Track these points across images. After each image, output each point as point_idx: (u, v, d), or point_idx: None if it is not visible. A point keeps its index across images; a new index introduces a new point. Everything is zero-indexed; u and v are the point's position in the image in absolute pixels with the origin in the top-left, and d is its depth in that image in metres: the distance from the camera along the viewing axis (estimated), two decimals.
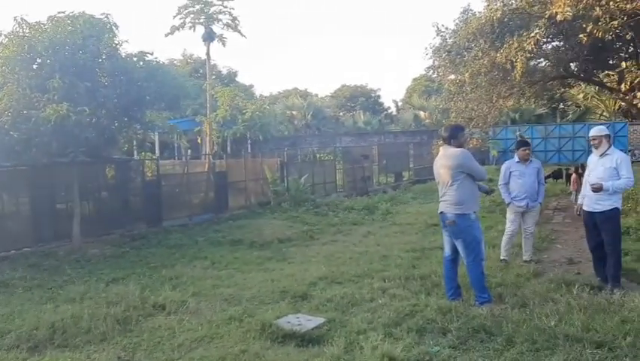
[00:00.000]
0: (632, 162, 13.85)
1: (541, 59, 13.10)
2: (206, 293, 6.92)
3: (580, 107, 32.29)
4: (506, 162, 8.08)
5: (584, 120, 29.66)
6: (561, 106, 34.80)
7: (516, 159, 7.86)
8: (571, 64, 13.81)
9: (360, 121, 40.84)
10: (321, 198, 16.09)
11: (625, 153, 20.36)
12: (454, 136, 6.08)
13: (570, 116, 33.15)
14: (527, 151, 7.89)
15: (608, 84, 14.58)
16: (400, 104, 51.50)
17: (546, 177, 19.03)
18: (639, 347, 4.47)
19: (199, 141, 23.40)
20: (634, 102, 10.26)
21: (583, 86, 24.09)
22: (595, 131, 6.60)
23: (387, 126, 41.33)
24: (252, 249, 10.23)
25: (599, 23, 8.92)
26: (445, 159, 6.08)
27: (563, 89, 22.72)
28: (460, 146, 6.13)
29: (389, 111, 50.71)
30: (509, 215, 7.94)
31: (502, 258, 7.84)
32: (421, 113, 38.43)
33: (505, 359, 4.35)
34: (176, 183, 14.22)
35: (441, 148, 6.30)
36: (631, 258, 7.51)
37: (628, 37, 10.00)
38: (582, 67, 13.78)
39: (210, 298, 6.64)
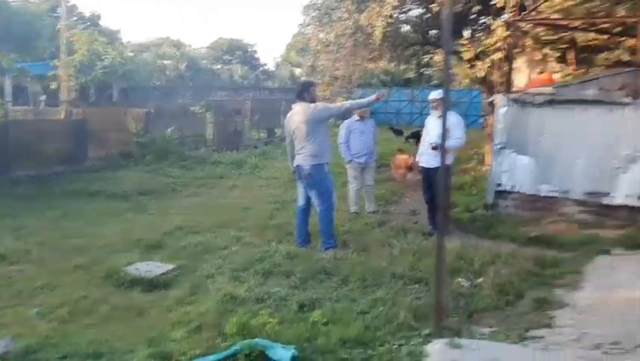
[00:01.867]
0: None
1: (403, 25, 13.78)
2: (54, 243, 6.67)
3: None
4: (345, 121, 8.32)
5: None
6: (428, 71, 36.84)
7: (355, 117, 8.23)
8: (430, 32, 14.65)
9: (236, 75, 40.25)
10: (190, 151, 15.80)
11: (477, 117, 22.33)
12: (306, 90, 6.42)
13: (435, 81, 35.38)
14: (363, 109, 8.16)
15: (462, 54, 15.77)
16: (278, 60, 51.37)
17: (408, 138, 20.53)
18: (449, 282, 5.18)
19: (53, 86, 21.43)
20: (474, 72, 11.36)
21: None
22: (434, 94, 7.29)
23: (265, 82, 41.18)
24: (110, 200, 9.90)
25: None
26: (301, 114, 6.37)
27: (428, 56, 24.09)
28: (313, 100, 6.46)
29: (266, 67, 50.42)
30: (351, 172, 8.43)
31: (352, 211, 8.43)
32: (297, 70, 38.78)
33: (337, 294, 4.81)
34: (28, 131, 13.09)
35: (296, 105, 6.56)
36: (460, 209, 8.45)
37: (475, 9, 10.97)
38: (439, 35, 14.66)
39: (57, 248, 6.42)
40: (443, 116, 3.65)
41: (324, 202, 6.38)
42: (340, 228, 7.26)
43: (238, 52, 49.40)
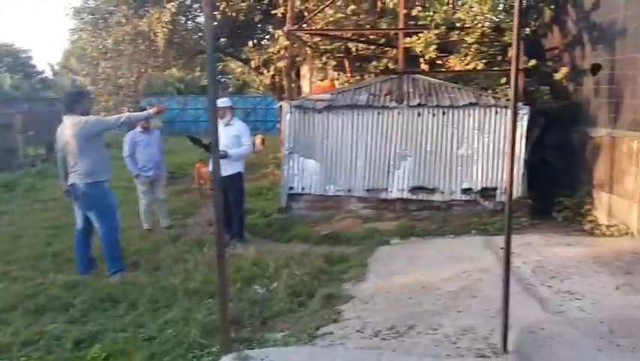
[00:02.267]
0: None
1: (189, 32, 13.49)
2: None
3: (239, 80, 34.94)
4: (129, 132, 8.01)
5: (242, 93, 32.34)
6: (223, 79, 36.90)
7: (139, 129, 7.88)
8: (221, 39, 14.63)
9: (6, 85, 35.28)
10: None
11: (275, 123, 22.95)
12: (76, 102, 5.89)
13: (231, 88, 35.59)
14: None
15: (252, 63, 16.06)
16: (57, 67, 46.45)
17: (206, 146, 20.19)
18: (245, 291, 5.15)
19: None
20: (261, 79, 11.66)
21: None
22: (220, 103, 7.22)
23: (43, 92, 36.91)
24: None
25: (230, 3, 9.72)
26: (71, 128, 5.79)
27: (222, 63, 24.11)
28: (85, 112, 5.92)
29: (44, 75, 45.24)
30: (140, 187, 7.99)
31: (145, 228, 7.96)
32: (80, 79, 35.54)
33: (122, 323, 4.41)
34: None
35: (65, 118, 5.91)
36: (257, 215, 8.54)
37: (257, 19, 11.23)
38: (229, 43, 14.74)
39: None
40: (213, 125, 3.60)
41: (105, 223, 5.88)
42: (131, 248, 6.80)
43: (7, 58, 43.50)
